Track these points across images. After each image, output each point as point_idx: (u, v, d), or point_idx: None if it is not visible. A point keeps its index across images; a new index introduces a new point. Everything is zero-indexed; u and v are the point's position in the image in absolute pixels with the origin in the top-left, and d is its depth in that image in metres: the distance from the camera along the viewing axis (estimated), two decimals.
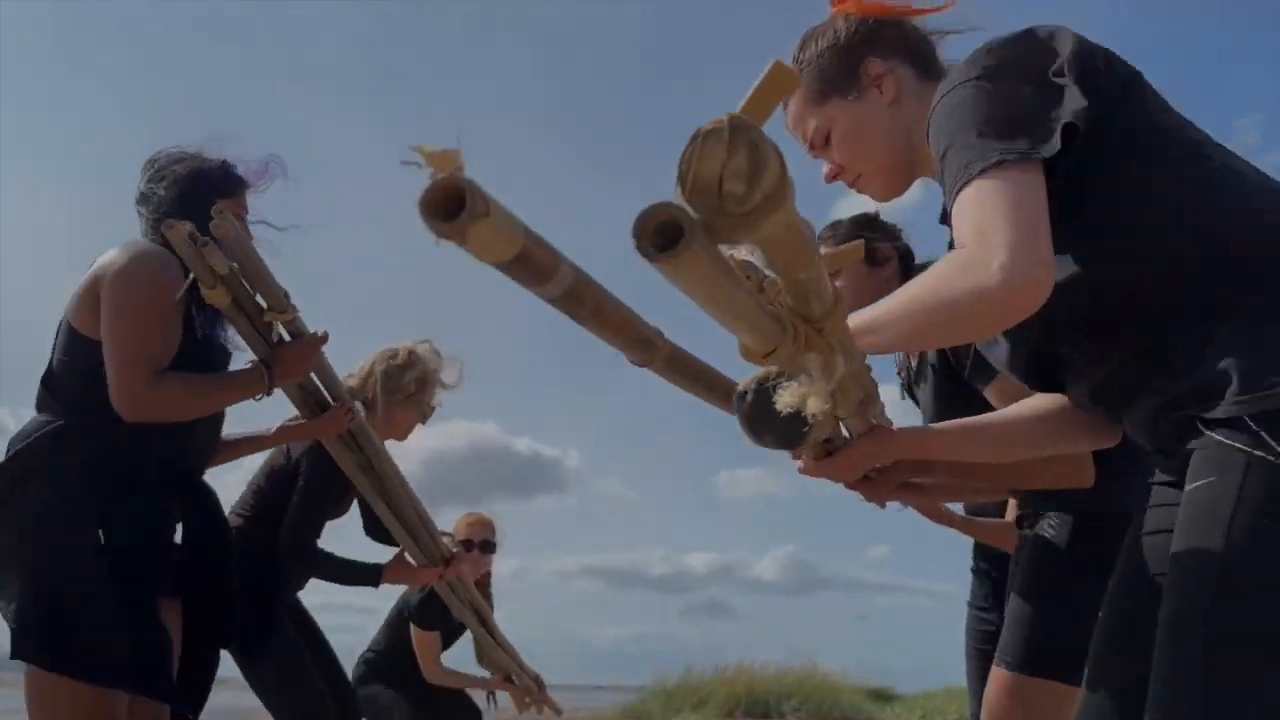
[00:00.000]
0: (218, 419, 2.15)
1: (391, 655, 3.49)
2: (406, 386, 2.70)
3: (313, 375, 2.25)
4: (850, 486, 1.62)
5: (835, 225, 2.18)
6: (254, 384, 2.05)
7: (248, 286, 2.01)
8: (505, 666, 3.46)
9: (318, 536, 2.60)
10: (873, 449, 1.40)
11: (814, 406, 0.84)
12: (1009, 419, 1.35)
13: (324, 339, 2.17)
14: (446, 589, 2.91)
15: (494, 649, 3.34)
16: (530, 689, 3.55)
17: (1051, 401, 1.30)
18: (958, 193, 1.02)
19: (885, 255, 2.14)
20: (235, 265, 1.95)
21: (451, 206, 0.53)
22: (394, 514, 2.57)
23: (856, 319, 1.09)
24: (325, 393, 2.35)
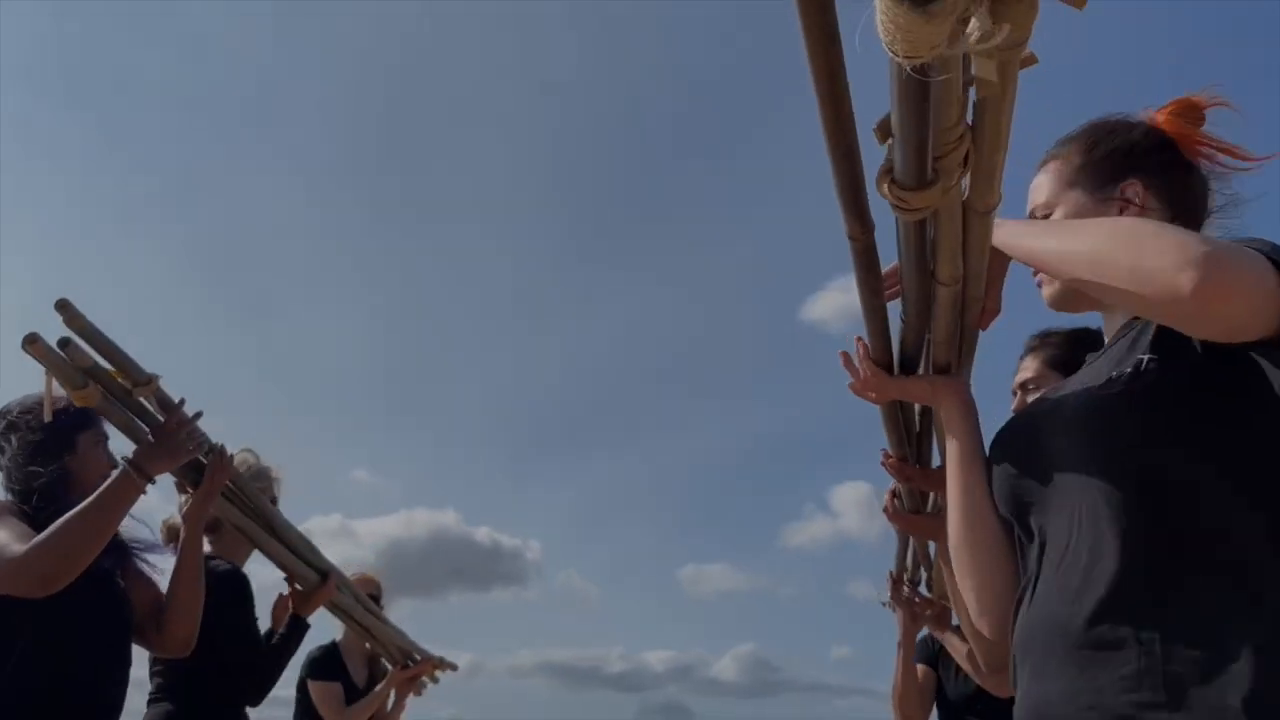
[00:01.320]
0: (114, 636, 2.08)
1: None
2: (268, 494, 2.72)
3: None
4: (890, 466, 1.75)
5: (1049, 335, 2.03)
6: (126, 488, 1.91)
7: (111, 370, 1.98)
8: (406, 648, 3.39)
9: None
10: (933, 390, 1.37)
11: None
12: None
13: (183, 407, 2.08)
14: (337, 599, 2.88)
15: (395, 635, 3.32)
16: (432, 660, 3.47)
17: None
18: None
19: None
20: (97, 357, 1.94)
21: None
22: (284, 544, 2.57)
23: (1031, 225, 1.17)
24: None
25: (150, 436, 2.02)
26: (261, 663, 2.60)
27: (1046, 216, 1.27)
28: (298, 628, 2.70)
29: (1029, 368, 1.95)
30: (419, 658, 3.41)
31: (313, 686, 3.40)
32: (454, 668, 3.65)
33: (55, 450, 2.01)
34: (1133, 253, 0.93)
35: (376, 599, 3.48)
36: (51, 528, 1.81)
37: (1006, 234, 1.15)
